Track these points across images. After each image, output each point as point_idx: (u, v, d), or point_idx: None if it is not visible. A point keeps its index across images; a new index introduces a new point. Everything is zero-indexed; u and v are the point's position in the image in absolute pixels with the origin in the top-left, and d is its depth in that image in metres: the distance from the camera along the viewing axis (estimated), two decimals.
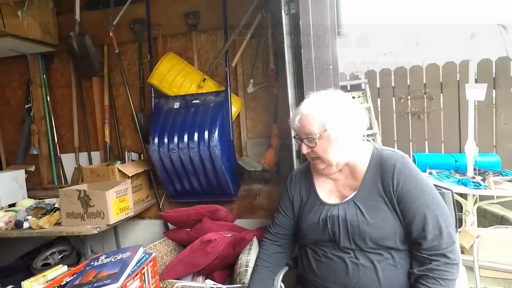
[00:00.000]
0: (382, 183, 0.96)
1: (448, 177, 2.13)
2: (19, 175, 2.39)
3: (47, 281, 1.57)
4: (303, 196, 1.14)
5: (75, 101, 2.47)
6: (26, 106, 2.54)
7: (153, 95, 2.13)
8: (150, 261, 1.50)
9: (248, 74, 2.22)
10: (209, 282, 1.46)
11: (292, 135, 1.08)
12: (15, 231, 1.73)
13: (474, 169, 2.19)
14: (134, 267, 1.38)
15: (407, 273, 0.94)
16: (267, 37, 2.11)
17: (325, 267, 1.00)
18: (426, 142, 2.70)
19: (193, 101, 2.03)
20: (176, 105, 2.05)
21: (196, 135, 1.92)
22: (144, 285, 1.44)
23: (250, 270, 1.63)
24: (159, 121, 2.02)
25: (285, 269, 1.21)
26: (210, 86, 2.11)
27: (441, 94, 2.67)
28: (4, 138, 2.67)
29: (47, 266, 2.06)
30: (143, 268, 1.44)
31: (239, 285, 1.51)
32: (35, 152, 2.52)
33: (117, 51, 2.24)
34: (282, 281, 1.29)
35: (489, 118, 2.57)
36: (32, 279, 1.54)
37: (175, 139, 1.93)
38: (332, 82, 1.58)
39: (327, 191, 1.08)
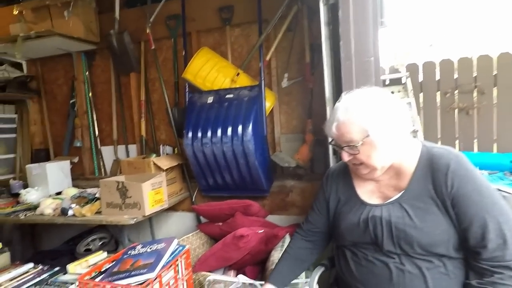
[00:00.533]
0: (433, 184, 0.87)
1: (502, 179, 1.94)
2: (65, 165, 2.55)
3: (89, 266, 1.66)
4: (340, 195, 1.07)
5: (114, 96, 2.57)
6: (71, 101, 2.70)
7: (187, 90, 2.16)
8: (184, 253, 1.52)
9: (282, 68, 2.17)
10: (242, 277, 1.45)
11: (329, 140, 1.01)
12: (61, 217, 1.85)
13: None
14: (168, 258, 1.40)
15: (461, 284, 0.85)
16: (303, 30, 2.05)
17: (366, 271, 0.94)
18: (475, 141, 2.47)
19: (227, 96, 2.02)
20: (210, 99, 2.06)
21: (229, 129, 1.91)
22: (178, 276, 1.46)
23: None
24: (193, 116, 2.04)
25: (321, 269, 1.16)
26: (243, 80, 2.09)
27: (494, 88, 2.43)
28: (52, 131, 2.86)
29: (88, 251, 2.18)
30: (177, 260, 1.46)
31: None
32: (78, 145, 2.67)
33: (153, 47, 2.30)
34: (317, 282, 1.24)
35: None
36: (76, 263, 1.63)
37: (209, 134, 1.94)
38: (374, 76, 1.49)
39: (367, 191, 1.01)
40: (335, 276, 1.17)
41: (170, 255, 1.44)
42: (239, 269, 1.81)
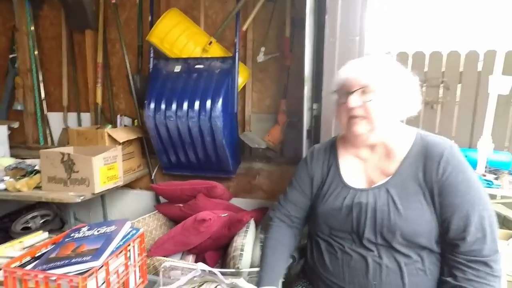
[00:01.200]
0: (423, 171, 0.82)
1: None
2: (1, 130, 2.20)
3: (24, 248, 1.44)
4: (324, 174, 0.98)
5: (65, 55, 2.25)
6: (10, 56, 2.31)
7: (151, 56, 1.92)
8: (138, 238, 1.36)
9: (259, 41, 2.00)
10: (201, 265, 1.34)
11: (334, 89, 0.92)
12: None
13: (486, 167, 2.07)
14: (119, 243, 1.24)
15: (436, 281, 0.82)
16: (285, 2, 1.89)
17: (341, 264, 0.87)
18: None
19: (196, 66, 1.83)
20: (177, 68, 1.85)
21: (197, 103, 1.74)
22: (129, 263, 1.31)
23: (245, 254, 1.52)
24: (157, 85, 1.83)
25: (289, 262, 1.07)
26: (216, 51, 1.90)
27: (459, 85, 2.49)
28: None
29: (27, 230, 1.93)
30: (129, 245, 1.30)
31: (233, 270, 1.40)
32: (19, 108, 2.32)
33: (114, 1, 1.99)
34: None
35: (506, 115, 2.41)
36: (7, 244, 1.39)
37: (174, 106, 1.75)
38: (357, 56, 1.40)
39: (351, 172, 0.93)
40: (302, 266, 1.10)
41: (121, 240, 1.28)
42: (199, 254, 1.70)
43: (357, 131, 0.87)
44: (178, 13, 1.88)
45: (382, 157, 0.89)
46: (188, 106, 1.74)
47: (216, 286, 0.97)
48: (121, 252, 1.26)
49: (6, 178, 1.61)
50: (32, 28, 2.25)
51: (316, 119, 1.58)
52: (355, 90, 0.85)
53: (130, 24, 2.13)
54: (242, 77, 1.95)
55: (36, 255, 1.21)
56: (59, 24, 2.23)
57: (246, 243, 1.54)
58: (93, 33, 2.16)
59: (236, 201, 2.03)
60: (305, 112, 1.57)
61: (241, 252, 1.45)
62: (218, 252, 1.72)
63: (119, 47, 2.13)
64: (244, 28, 1.89)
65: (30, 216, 1.98)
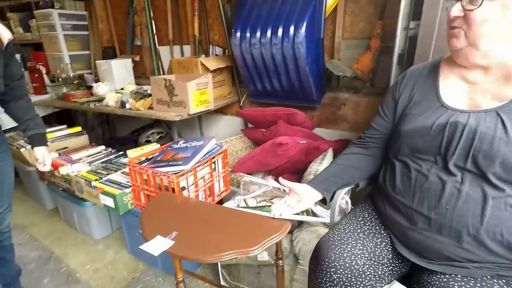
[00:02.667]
0: None
1: None
2: (127, 63, 2.69)
3: (143, 153, 1.88)
4: (414, 95, 0.89)
5: None
6: None
7: None
8: (221, 153, 1.57)
9: None
10: (272, 182, 1.47)
11: None
12: (120, 109, 2.03)
13: None
14: (204, 155, 1.47)
15: None
16: None
17: (413, 184, 0.81)
18: None
19: None
20: None
21: (280, 30, 1.69)
22: (214, 173, 1.55)
23: None
24: (243, 13, 1.84)
25: (352, 179, 1.05)
26: None
27: None
28: (116, 29, 2.96)
29: (148, 142, 2.44)
30: (214, 158, 1.53)
31: None
32: (138, 43, 2.74)
33: None
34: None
35: None
36: (134, 150, 1.83)
37: (258, 34, 1.76)
38: None
39: (454, 95, 0.81)
40: (370, 190, 1.08)
41: (207, 153, 1.51)
42: (278, 175, 1.84)
43: (452, 44, 0.75)
44: None
45: (500, 80, 0.74)
46: (272, 33, 1.71)
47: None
48: (206, 163, 1.49)
49: (130, 99, 2.02)
50: None
51: (411, 41, 1.35)
52: None
53: None
54: None
55: (148, 157, 1.56)
56: None
57: (320, 169, 1.58)
58: None
59: (319, 131, 2.03)
60: (398, 33, 1.35)
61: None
62: (295, 176, 1.83)
63: None
64: None
65: (150, 132, 2.49)
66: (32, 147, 1.32)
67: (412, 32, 1.35)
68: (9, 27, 3.18)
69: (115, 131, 3.32)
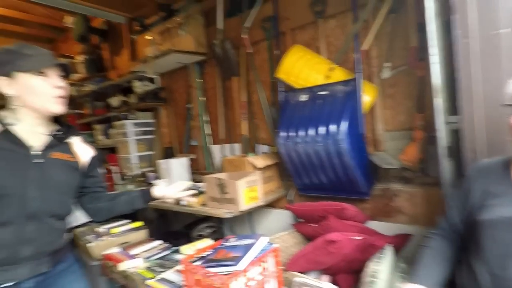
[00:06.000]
0: None
1: None
2: (185, 161, 3.00)
3: (196, 250, 1.92)
4: (489, 188, 0.91)
5: (220, 99, 2.85)
6: (188, 106, 3.15)
7: (281, 89, 2.18)
8: (272, 251, 1.55)
9: (384, 56, 1.92)
10: (327, 284, 1.38)
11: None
12: (176, 206, 2.20)
13: None
14: (256, 254, 1.46)
15: None
16: (408, 9, 1.75)
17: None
18: None
19: (320, 93, 1.94)
20: (303, 97, 2.02)
21: (322, 128, 1.83)
22: (265, 273, 1.51)
23: (379, 283, 1.43)
24: (287, 114, 2.05)
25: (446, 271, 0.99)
26: (339, 75, 1.96)
27: None
28: (176, 132, 3.41)
29: (200, 237, 2.50)
30: (265, 256, 1.51)
31: None
32: (194, 143, 3.09)
33: (250, 51, 2.42)
34: None
35: None
36: (187, 245, 1.89)
37: (301, 133, 1.91)
38: (505, 53, 1.14)
39: None
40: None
41: (258, 252, 1.50)
42: (333, 275, 1.72)
43: None
44: (300, 49, 2.07)
45: None
46: (314, 132, 1.85)
47: None
48: (258, 262, 1.47)
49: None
50: (199, 83, 3.00)
51: (456, 134, 1.36)
52: None
53: (264, 65, 2.50)
54: (369, 96, 1.91)
55: (201, 255, 1.59)
56: (216, 77, 2.87)
57: (380, 271, 1.45)
58: (237, 79, 2.66)
59: (374, 225, 1.93)
60: (440, 127, 1.38)
61: (372, 279, 1.38)
62: (352, 276, 1.69)
63: (257, 86, 2.53)
64: (365, 47, 1.87)
65: (202, 226, 2.57)
66: (150, 198, 1.38)
67: (455, 126, 1.37)
68: (95, 135, 3.88)
69: (171, 225, 3.48)
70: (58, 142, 1.14)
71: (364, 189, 1.90)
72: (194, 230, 2.58)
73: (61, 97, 1.10)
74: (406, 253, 1.75)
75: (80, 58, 4.30)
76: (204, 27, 2.75)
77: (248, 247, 1.48)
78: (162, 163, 2.93)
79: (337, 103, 1.85)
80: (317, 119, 1.87)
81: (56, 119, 1.19)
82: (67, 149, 1.17)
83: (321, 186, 2.08)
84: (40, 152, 1.07)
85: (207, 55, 2.78)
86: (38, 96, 1.05)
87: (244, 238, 1.60)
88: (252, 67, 2.48)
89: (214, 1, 2.59)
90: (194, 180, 2.83)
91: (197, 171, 3.09)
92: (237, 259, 1.39)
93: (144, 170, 3.32)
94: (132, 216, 3.14)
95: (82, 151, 1.23)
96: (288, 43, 2.29)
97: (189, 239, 2.54)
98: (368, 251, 1.60)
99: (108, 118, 3.83)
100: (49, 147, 1.10)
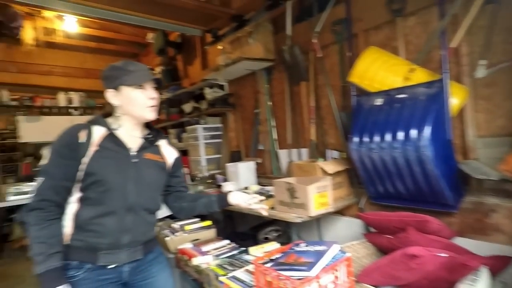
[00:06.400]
0: None
1: None
2: (251, 165, 3.08)
3: (264, 252, 1.95)
4: None
5: (288, 104, 2.86)
6: (255, 111, 3.23)
7: (353, 93, 2.10)
8: (345, 260, 1.49)
9: (477, 54, 1.71)
10: None
11: None
12: (246, 208, 2.24)
13: None
14: (328, 261, 1.42)
15: None
16: None
17: None
18: None
19: (398, 96, 1.81)
20: (378, 101, 1.91)
21: (400, 134, 1.70)
22: (338, 282, 1.45)
23: None
24: (360, 119, 1.96)
25: None
26: (420, 76, 1.80)
27: None
28: (243, 136, 3.53)
29: (266, 240, 2.53)
30: (337, 265, 1.45)
31: None
32: (261, 148, 3.16)
33: (319, 55, 2.38)
34: None
35: None
36: (255, 247, 1.93)
37: (376, 138, 1.80)
38: None
39: None
40: None
41: (330, 259, 1.45)
42: None
43: None
44: (375, 50, 1.97)
45: None
46: (392, 137, 1.73)
47: None
48: (330, 270, 1.43)
49: None
50: (267, 88, 3.07)
51: None
52: None
53: (334, 69, 2.44)
54: (458, 98, 1.72)
55: (271, 258, 1.61)
56: (283, 82, 2.90)
57: None
58: (306, 83, 2.65)
59: (462, 242, 1.72)
60: None
61: None
62: None
63: (326, 90, 2.48)
64: (454, 44, 1.69)
65: (268, 229, 2.60)
66: (226, 204, 1.41)
67: None
68: (170, 139, 4.24)
69: (235, 226, 3.60)
70: (149, 144, 1.27)
71: (451, 202, 1.70)
72: (261, 232, 2.62)
73: (154, 106, 1.23)
74: (505, 277, 1.52)
75: (158, 69, 4.77)
76: (273, 34, 2.81)
77: (320, 254, 1.44)
78: (230, 166, 3.05)
79: (418, 106, 1.70)
80: (394, 124, 1.75)
81: (147, 124, 1.33)
82: (157, 151, 1.31)
83: (398, 195, 1.92)
84: (136, 153, 1.21)
85: (275, 61, 2.83)
86: (137, 106, 1.20)
87: (314, 244, 1.56)
88: (322, 71, 2.44)
89: (283, 8, 2.63)
90: (260, 184, 2.89)
91: (263, 175, 3.14)
92: (309, 265, 1.36)
93: (212, 172, 3.50)
94: (201, 215, 3.34)
95: (169, 152, 1.36)
96: (361, 45, 2.20)
97: (255, 241, 2.59)
98: (457, 271, 1.42)
99: (182, 123, 4.16)
100: (142, 149, 1.24)
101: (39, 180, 1.07)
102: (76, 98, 5.78)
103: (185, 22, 2.71)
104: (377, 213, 1.88)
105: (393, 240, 1.74)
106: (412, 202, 1.85)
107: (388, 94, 1.87)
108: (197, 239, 2.52)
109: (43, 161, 1.09)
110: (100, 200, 1.10)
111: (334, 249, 1.49)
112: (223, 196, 1.45)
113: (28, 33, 4.17)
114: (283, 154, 2.99)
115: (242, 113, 3.52)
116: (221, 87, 3.66)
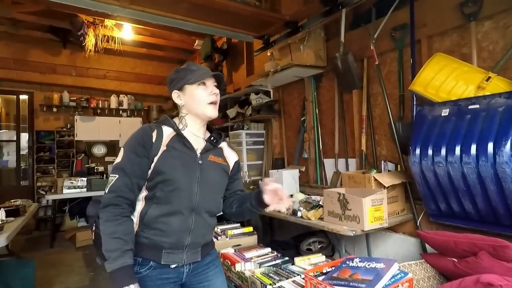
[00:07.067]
0: None
1: None
2: (295, 173, 3.00)
3: (310, 264, 1.86)
4: None
5: (337, 113, 2.77)
6: (302, 119, 3.17)
7: (414, 103, 1.97)
8: (406, 282, 1.36)
9: None
10: None
11: None
12: (292, 217, 2.19)
13: None
14: (388, 281, 1.31)
15: None
16: None
17: None
18: None
19: (470, 107, 1.66)
20: (445, 112, 1.76)
21: (473, 147, 1.55)
22: None
23: None
24: (422, 131, 1.82)
25: None
26: (497, 85, 1.64)
27: None
28: (287, 143, 3.48)
29: (309, 251, 2.43)
30: (398, 286, 1.33)
31: None
32: (305, 156, 3.08)
33: (377, 62, 2.28)
34: None
35: None
36: (301, 258, 1.86)
37: (443, 151, 1.66)
38: None
39: None
40: None
41: (390, 279, 1.34)
42: None
43: None
44: (442, 57, 1.83)
45: None
46: (462, 151, 1.59)
47: None
48: None
49: (301, 208, 2.17)
50: (315, 96, 3.00)
51: None
52: None
53: (391, 77, 2.32)
54: None
55: (322, 271, 1.53)
56: (333, 90, 2.82)
57: None
58: (358, 92, 2.55)
59: None
60: None
61: None
62: None
63: (381, 99, 2.36)
64: None
65: (311, 240, 2.50)
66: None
67: None
68: None
69: (274, 234, 3.54)
70: (212, 146, 1.27)
71: None
72: (303, 243, 2.53)
73: (214, 102, 1.23)
74: None
75: None
76: (324, 41, 2.75)
77: (380, 272, 1.34)
78: (274, 173, 3.01)
79: (494, 119, 1.54)
80: (466, 137, 1.60)
81: (208, 127, 1.33)
82: (220, 153, 1.30)
83: (464, 215, 1.75)
84: (201, 155, 1.21)
85: (325, 68, 2.76)
86: (199, 103, 1.20)
87: (370, 260, 1.46)
88: (378, 79, 2.33)
89: (337, 15, 2.57)
90: (303, 192, 2.81)
91: (306, 183, 3.06)
92: (369, 283, 1.27)
93: (253, 178, 3.48)
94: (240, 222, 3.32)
95: (230, 155, 1.34)
96: (424, 52, 2.08)
97: (297, 251, 2.50)
98: None
99: (226, 128, 4.21)
100: (206, 150, 1.24)
101: (113, 177, 1.09)
102: (125, 101, 6.13)
103: (239, 29, 2.75)
104: (442, 232, 1.72)
105: (459, 264, 1.58)
106: (482, 224, 1.68)
107: (457, 104, 1.72)
108: (238, 245, 2.49)
109: (117, 159, 1.12)
110: (167, 199, 1.11)
111: (394, 268, 1.38)
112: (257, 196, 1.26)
113: (91, 40, 4.52)
114: (328, 163, 2.90)
115: (286, 120, 3.49)
116: (266, 93, 3.66)
